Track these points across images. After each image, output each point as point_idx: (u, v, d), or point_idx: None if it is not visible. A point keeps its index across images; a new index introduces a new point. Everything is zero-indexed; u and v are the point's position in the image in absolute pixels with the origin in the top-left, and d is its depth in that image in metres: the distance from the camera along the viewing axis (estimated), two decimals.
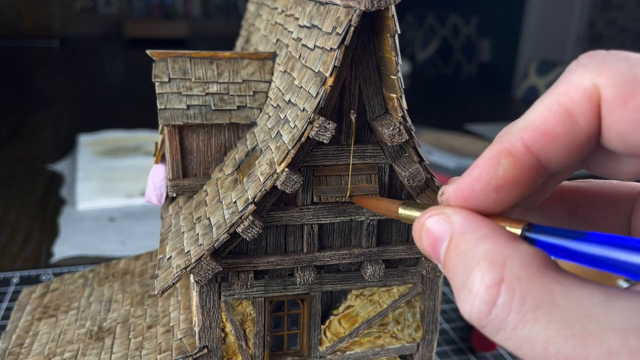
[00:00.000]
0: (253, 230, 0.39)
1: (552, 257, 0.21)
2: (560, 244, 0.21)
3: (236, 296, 0.44)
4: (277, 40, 0.52)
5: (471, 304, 0.20)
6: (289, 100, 0.42)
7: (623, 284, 0.68)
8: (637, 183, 0.27)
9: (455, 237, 0.22)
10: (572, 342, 0.18)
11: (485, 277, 0.20)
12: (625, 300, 0.18)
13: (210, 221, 0.42)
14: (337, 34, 0.37)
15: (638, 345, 0.17)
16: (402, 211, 0.30)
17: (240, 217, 0.39)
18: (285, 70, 0.46)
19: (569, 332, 0.18)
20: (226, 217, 0.41)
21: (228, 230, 0.39)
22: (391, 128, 0.39)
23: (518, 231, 0.22)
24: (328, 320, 0.48)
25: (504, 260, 0.20)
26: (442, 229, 0.23)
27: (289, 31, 0.48)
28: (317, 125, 0.38)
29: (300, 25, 0.45)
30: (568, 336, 0.18)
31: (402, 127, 0.39)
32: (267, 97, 0.48)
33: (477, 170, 0.23)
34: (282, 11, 0.53)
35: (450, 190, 0.24)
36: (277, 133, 0.42)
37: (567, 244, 0.21)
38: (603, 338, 0.17)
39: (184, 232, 0.45)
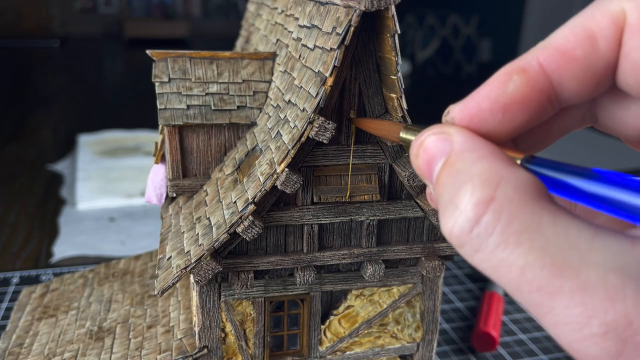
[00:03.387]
0: (253, 230, 0.39)
1: (551, 193, 0.20)
2: (561, 179, 0.20)
3: (236, 296, 0.44)
4: (277, 40, 0.52)
5: (454, 220, 0.19)
6: (289, 100, 0.42)
7: None
8: None
9: (453, 155, 0.21)
10: (549, 271, 0.17)
11: (475, 193, 0.19)
12: (613, 240, 0.18)
13: (210, 221, 0.42)
14: (337, 34, 0.37)
15: (616, 284, 0.17)
16: (404, 135, 0.28)
17: (240, 217, 0.39)
18: (285, 70, 0.46)
19: (549, 260, 0.18)
20: (226, 217, 0.41)
21: (228, 230, 0.39)
22: None
23: (518, 161, 0.21)
24: (328, 320, 0.48)
25: (498, 181, 0.19)
26: (440, 147, 0.22)
27: (289, 31, 0.48)
28: (317, 125, 0.38)
29: (300, 25, 0.45)
30: (547, 264, 0.18)
31: None
32: (267, 97, 0.48)
33: (486, 88, 0.22)
34: (282, 11, 0.53)
35: (456, 109, 0.23)
36: (277, 133, 0.42)
37: (568, 180, 0.20)
38: (582, 272, 0.17)
39: (184, 232, 0.45)
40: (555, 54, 0.21)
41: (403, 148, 0.42)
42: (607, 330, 0.17)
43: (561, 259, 0.17)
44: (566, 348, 0.18)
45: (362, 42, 0.39)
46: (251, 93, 0.48)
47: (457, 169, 0.20)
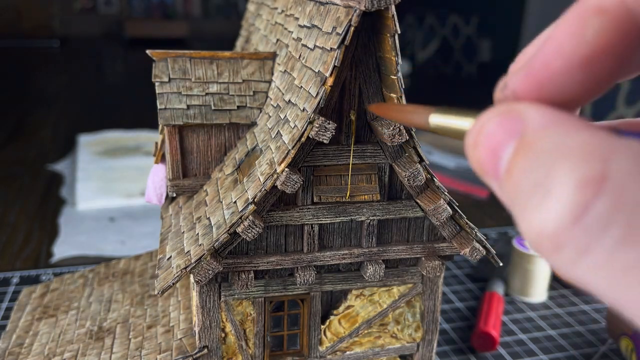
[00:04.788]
0: (253, 230, 0.39)
1: None
2: None
3: (236, 296, 0.44)
4: (277, 40, 0.52)
5: (547, 212, 0.14)
6: (289, 100, 0.42)
7: None
8: None
9: (531, 134, 0.15)
10: None
11: (576, 171, 0.13)
12: None
13: (210, 221, 0.42)
14: (337, 34, 0.37)
15: None
16: (436, 120, 0.21)
17: (241, 217, 0.39)
18: (285, 70, 0.46)
19: None
20: (226, 217, 0.41)
21: (228, 230, 0.39)
22: (391, 128, 0.39)
23: None
24: (328, 320, 0.48)
25: (609, 153, 0.13)
26: (509, 128, 0.16)
27: (289, 31, 0.48)
28: (317, 125, 0.38)
29: (300, 25, 0.45)
30: None
31: (402, 127, 0.39)
32: (267, 97, 0.48)
33: (554, 43, 0.17)
34: (282, 11, 0.53)
35: (517, 78, 0.17)
36: (277, 133, 0.42)
37: None
38: None
39: (184, 232, 0.45)
40: None
41: (403, 148, 0.42)
42: None
43: None
44: None
45: (362, 42, 0.39)
46: (251, 93, 0.48)
47: (540, 148, 0.15)
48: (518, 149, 0.15)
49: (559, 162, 0.14)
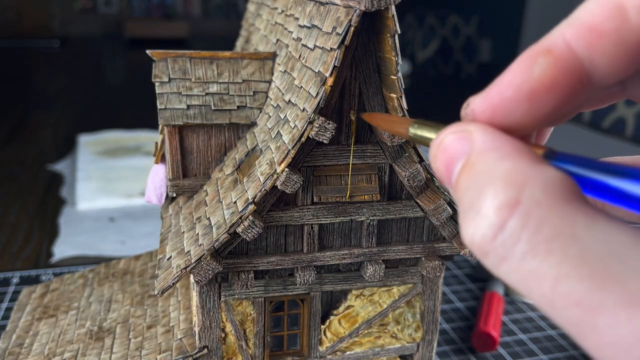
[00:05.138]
0: (253, 230, 0.39)
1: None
2: (591, 177, 0.18)
3: (236, 296, 0.44)
4: (277, 40, 0.52)
5: (476, 226, 0.18)
6: (289, 100, 0.42)
7: None
8: None
9: (474, 156, 0.19)
10: (588, 282, 0.15)
11: (498, 196, 0.17)
12: None
13: (210, 221, 0.42)
14: (337, 34, 0.37)
15: None
16: (414, 131, 0.26)
17: (240, 217, 0.39)
18: (285, 70, 0.46)
19: (587, 270, 0.15)
20: (226, 217, 0.41)
21: (228, 230, 0.39)
22: None
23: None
24: (328, 320, 0.48)
25: (524, 182, 0.17)
26: (460, 147, 0.20)
27: (289, 31, 0.48)
28: (317, 125, 0.38)
29: (300, 25, 0.45)
30: (585, 275, 0.15)
31: None
32: (267, 97, 0.48)
33: (508, 75, 0.20)
34: (282, 11, 0.53)
35: (477, 100, 0.21)
36: (277, 133, 0.42)
37: (600, 178, 0.18)
38: (628, 282, 0.15)
39: (184, 232, 0.45)
40: (583, 30, 0.19)
41: (403, 148, 0.42)
42: None
43: (602, 268, 0.15)
44: None
45: (362, 42, 0.39)
46: (251, 93, 0.48)
47: (477, 171, 0.19)
48: (463, 167, 0.19)
49: (487, 186, 0.18)
